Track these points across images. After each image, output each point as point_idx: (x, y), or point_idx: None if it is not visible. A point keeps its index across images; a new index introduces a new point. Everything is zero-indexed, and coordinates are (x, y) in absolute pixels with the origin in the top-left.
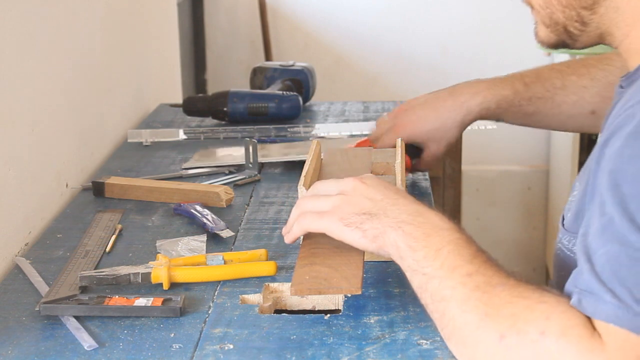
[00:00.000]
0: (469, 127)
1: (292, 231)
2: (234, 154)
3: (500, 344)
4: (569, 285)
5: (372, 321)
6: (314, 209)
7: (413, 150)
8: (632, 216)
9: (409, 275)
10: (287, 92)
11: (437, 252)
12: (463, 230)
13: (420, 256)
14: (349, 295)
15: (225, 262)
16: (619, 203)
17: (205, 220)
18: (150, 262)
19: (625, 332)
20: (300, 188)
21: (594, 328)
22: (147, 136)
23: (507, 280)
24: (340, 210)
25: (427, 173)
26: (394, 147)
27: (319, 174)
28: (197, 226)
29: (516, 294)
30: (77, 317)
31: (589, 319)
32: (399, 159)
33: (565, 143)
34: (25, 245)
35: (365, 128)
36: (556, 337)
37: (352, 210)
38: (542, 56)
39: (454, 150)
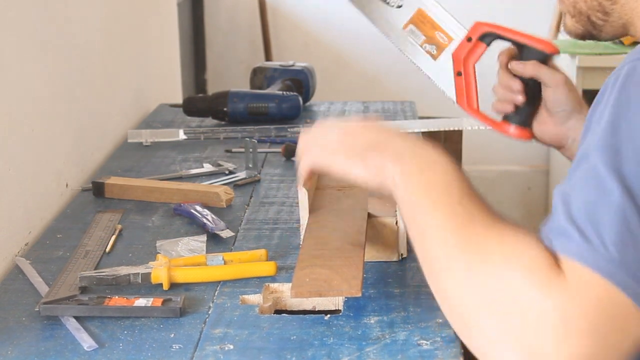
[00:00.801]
0: (468, 127)
1: (299, 172)
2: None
3: (468, 275)
4: (543, 227)
5: (372, 321)
6: (316, 143)
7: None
8: (617, 165)
9: (400, 207)
10: (287, 92)
11: (427, 186)
12: (456, 166)
13: (413, 188)
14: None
15: (225, 263)
16: (604, 151)
17: (205, 221)
18: (150, 262)
19: (589, 272)
20: (300, 188)
21: (559, 266)
22: (147, 136)
23: (487, 217)
24: (344, 144)
25: None
26: None
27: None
28: (197, 226)
29: (492, 229)
30: (77, 318)
31: (556, 257)
32: None
33: None
34: (25, 245)
35: None
36: (520, 271)
37: (356, 142)
38: None
39: (454, 150)
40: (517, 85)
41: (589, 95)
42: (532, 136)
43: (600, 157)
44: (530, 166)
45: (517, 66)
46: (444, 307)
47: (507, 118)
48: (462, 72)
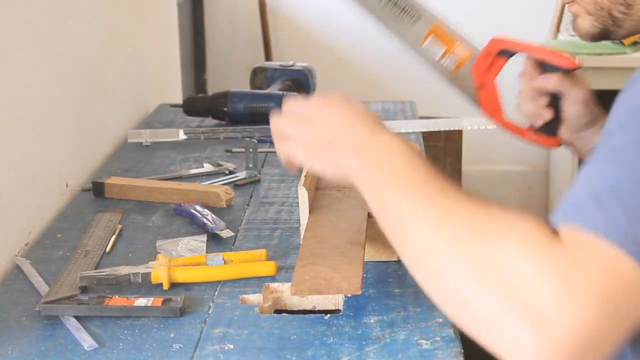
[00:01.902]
0: (469, 127)
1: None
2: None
3: (456, 248)
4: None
5: (372, 321)
6: (283, 131)
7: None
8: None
9: (366, 197)
10: (288, 92)
11: (392, 172)
12: (415, 151)
13: (377, 177)
14: (349, 295)
15: (225, 262)
16: (632, 130)
17: (205, 220)
18: (150, 262)
19: (592, 236)
20: (300, 188)
21: (557, 235)
22: (147, 136)
23: (462, 193)
24: (303, 138)
25: None
26: None
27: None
28: (197, 226)
29: (473, 203)
30: (77, 317)
31: (554, 230)
32: None
33: None
34: (25, 245)
35: None
36: (515, 241)
37: (313, 136)
38: None
39: (454, 150)
40: (543, 101)
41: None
42: (561, 143)
43: (625, 136)
44: (530, 166)
45: (541, 82)
46: (432, 291)
47: (536, 129)
48: (484, 85)
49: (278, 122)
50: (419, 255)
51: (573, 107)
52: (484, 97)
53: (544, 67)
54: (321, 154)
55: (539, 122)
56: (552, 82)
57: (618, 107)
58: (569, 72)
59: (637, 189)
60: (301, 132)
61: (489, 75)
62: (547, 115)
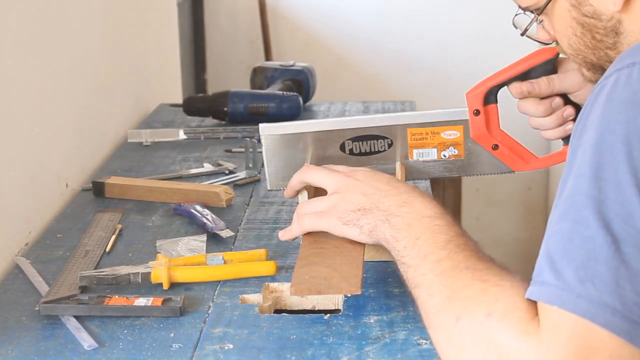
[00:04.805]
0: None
1: (292, 230)
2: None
3: (456, 326)
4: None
5: (372, 321)
6: (313, 210)
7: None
8: (595, 193)
9: (398, 265)
10: (288, 92)
11: (415, 241)
12: (446, 216)
13: (402, 246)
14: (349, 295)
15: (225, 262)
16: (584, 175)
17: (205, 220)
18: (150, 262)
19: (557, 310)
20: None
21: (536, 310)
22: (147, 136)
23: (475, 264)
24: (337, 210)
25: None
26: None
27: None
28: (197, 226)
29: (477, 277)
30: (77, 317)
31: (535, 303)
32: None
33: None
34: (25, 245)
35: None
36: (498, 319)
37: (348, 207)
38: None
39: None
40: (560, 112)
41: None
42: None
43: (584, 199)
44: None
45: (543, 90)
46: (439, 354)
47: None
48: (497, 144)
49: (305, 205)
50: (430, 328)
51: (582, 92)
52: (503, 154)
53: (532, 76)
54: (356, 223)
55: (565, 133)
56: (542, 87)
57: (574, 139)
58: (553, 63)
59: (584, 240)
60: (335, 205)
61: (492, 130)
62: (569, 127)
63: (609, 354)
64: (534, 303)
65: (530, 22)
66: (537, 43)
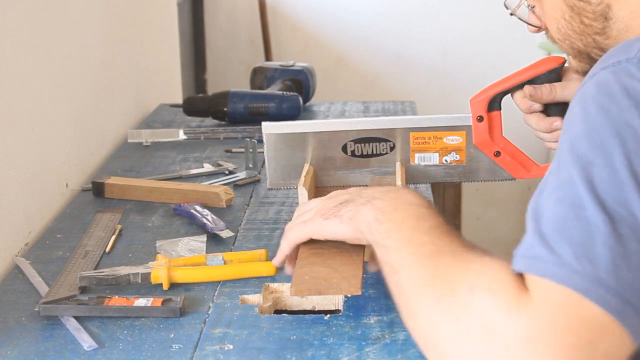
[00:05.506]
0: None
1: (281, 249)
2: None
3: (437, 307)
4: (516, 250)
5: (372, 321)
6: (300, 220)
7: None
8: (589, 178)
9: (376, 250)
10: (287, 92)
11: (399, 224)
12: (432, 207)
13: (385, 229)
14: (349, 295)
15: (225, 262)
16: (576, 163)
17: (205, 221)
18: (150, 263)
19: (551, 284)
20: (300, 188)
21: (524, 284)
22: (147, 136)
23: (458, 249)
24: (320, 210)
25: None
26: None
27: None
28: (197, 226)
29: (460, 259)
30: (76, 318)
31: (521, 276)
32: (399, 182)
33: None
34: (25, 245)
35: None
36: (483, 293)
37: (330, 205)
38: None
39: None
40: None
41: None
42: None
43: (572, 169)
44: None
45: (546, 97)
46: (419, 343)
47: None
48: (499, 151)
49: (292, 221)
50: (407, 310)
51: None
52: (505, 162)
53: (534, 83)
54: (339, 215)
55: None
56: (545, 95)
57: (563, 137)
58: (559, 72)
59: (581, 221)
60: (320, 205)
61: (495, 137)
62: None
63: (599, 330)
64: (520, 277)
65: (519, 3)
66: (536, 44)
